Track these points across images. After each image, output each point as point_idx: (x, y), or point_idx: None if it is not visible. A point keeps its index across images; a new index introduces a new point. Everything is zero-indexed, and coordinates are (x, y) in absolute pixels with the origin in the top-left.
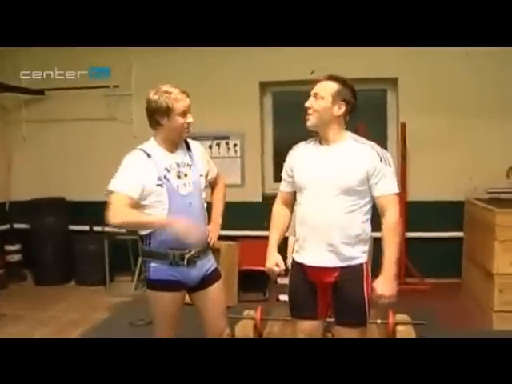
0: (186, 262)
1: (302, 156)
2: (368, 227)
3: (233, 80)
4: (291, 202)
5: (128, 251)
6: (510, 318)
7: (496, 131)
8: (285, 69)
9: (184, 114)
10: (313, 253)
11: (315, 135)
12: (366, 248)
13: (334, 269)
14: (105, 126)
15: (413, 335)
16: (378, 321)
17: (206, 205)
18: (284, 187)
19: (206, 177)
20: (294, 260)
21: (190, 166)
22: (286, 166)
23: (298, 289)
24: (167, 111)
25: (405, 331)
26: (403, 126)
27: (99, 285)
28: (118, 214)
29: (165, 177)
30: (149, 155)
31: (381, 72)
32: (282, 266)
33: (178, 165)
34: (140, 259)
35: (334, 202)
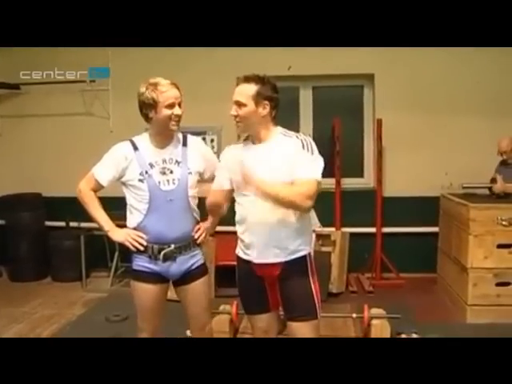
0: (161, 257)
1: (235, 157)
2: (308, 218)
3: (210, 75)
4: (228, 198)
5: (104, 247)
6: (483, 312)
7: (471, 127)
8: (262, 64)
9: (171, 105)
10: (257, 250)
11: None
12: (309, 239)
13: (279, 263)
14: (81, 121)
15: (388, 329)
16: (354, 315)
17: (196, 201)
18: (219, 186)
19: (202, 174)
20: (239, 257)
21: (179, 162)
22: (222, 167)
23: (247, 285)
24: (153, 104)
25: (380, 325)
26: (379, 121)
27: (75, 281)
28: (82, 192)
29: (146, 172)
30: (136, 148)
31: (357, 68)
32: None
33: (165, 161)
34: (116, 255)
35: None
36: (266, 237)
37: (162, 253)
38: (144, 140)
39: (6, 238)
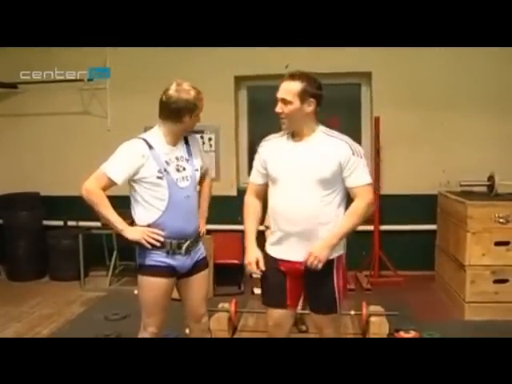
0: (183, 251)
1: (275, 149)
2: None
3: (208, 74)
4: (263, 193)
5: (103, 246)
6: (481, 309)
7: (469, 124)
8: (259, 63)
9: (199, 115)
10: (287, 248)
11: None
12: (341, 243)
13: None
14: (79, 120)
15: (386, 326)
16: (352, 312)
17: None
18: (256, 179)
19: (200, 171)
20: (266, 251)
21: (188, 160)
22: (259, 158)
23: (269, 277)
24: (193, 109)
25: (378, 322)
26: (377, 119)
27: (74, 280)
28: (91, 191)
29: (165, 170)
30: (151, 146)
31: (355, 66)
32: (262, 267)
33: (178, 158)
34: (115, 254)
35: (308, 195)
36: (297, 234)
37: (184, 247)
38: (156, 138)
39: (4, 238)
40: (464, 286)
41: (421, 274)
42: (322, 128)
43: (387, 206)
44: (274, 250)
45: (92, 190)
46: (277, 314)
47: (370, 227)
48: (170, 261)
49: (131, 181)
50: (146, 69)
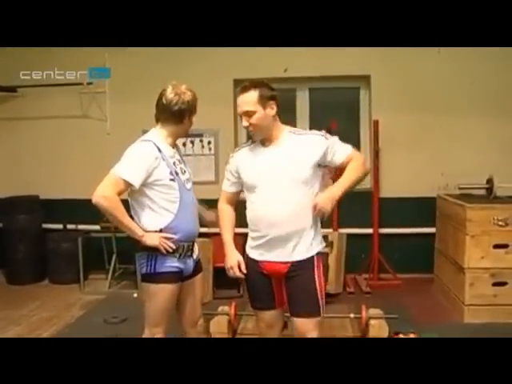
0: (196, 252)
1: (248, 157)
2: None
3: (207, 77)
4: (235, 200)
5: (102, 249)
6: (480, 312)
7: (467, 127)
8: (258, 66)
9: None
10: (270, 249)
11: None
12: (320, 238)
13: (289, 262)
14: (78, 123)
15: (386, 329)
16: (352, 315)
17: None
18: (228, 188)
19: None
20: (248, 255)
21: (184, 163)
22: (231, 168)
23: (254, 281)
24: (193, 110)
25: (377, 325)
26: (376, 123)
27: (73, 283)
28: (109, 198)
29: (175, 172)
30: (159, 149)
31: (353, 70)
32: (244, 269)
33: (180, 161)
34: (114, 257)
35: (291, 194)
36: (277, 236)
37: (196, 249)
38: (160, 140)
39: (4, 241)
40: (463, 289)
41: (420, 276)
42: (287, 128)
43: (386, 209)
44: (255, 253)
45: (110, 196)
46: (268, 315)
47: (370, 230)
48: (180, 265)
49: (141, 185)
50: (145, 72)
